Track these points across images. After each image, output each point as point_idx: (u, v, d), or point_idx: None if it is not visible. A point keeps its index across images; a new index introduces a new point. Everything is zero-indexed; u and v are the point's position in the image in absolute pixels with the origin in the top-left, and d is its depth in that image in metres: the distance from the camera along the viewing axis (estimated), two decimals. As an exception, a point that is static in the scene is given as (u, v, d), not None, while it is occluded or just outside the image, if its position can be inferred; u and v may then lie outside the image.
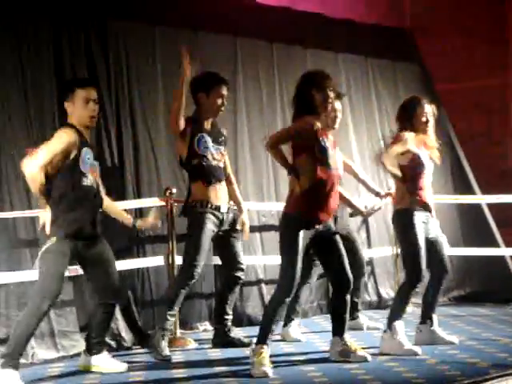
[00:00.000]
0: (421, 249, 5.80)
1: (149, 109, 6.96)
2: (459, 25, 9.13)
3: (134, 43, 6.90)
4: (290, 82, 7.94)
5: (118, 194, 6.61)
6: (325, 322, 7.11)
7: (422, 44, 9.18)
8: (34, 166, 5.05)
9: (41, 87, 6.28)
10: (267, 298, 7.34)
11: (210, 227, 6.00)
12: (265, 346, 5.29)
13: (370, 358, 5.52)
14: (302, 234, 5.32)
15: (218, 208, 6.02)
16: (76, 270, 6.04)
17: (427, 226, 5.91)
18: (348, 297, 5.54)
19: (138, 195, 6.75)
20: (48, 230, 5.16)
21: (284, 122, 7.83)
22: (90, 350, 5.51)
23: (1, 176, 5.92)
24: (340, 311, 5.55)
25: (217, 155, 6.10)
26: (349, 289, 5.51)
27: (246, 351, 6.02)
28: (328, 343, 5.74)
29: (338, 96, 6.57)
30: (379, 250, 8.27)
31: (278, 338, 6.41)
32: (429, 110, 5.98)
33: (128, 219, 5.64)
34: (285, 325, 6.48)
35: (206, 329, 7.01)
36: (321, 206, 5.37)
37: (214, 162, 6.07)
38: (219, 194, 6.06)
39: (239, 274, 6.19)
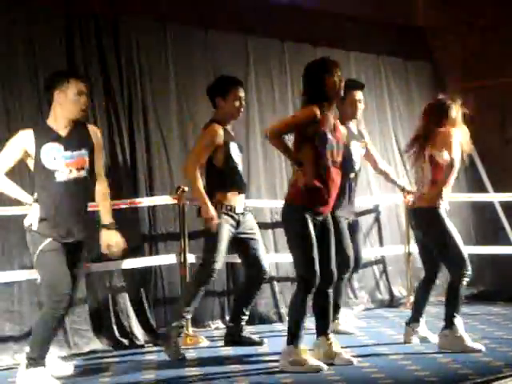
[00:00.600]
0: (459, 241, 5.79)
1: (161, 107, 6.97)
2: (471, 23, 9.09)
3: (146, 42, 6.91)
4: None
5: (130, 192, 6.64)
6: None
7: (434, 42, 9.16)
8: None
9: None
10: (279, 296, 7.36)
11: (227, 227, 5.99)
12: (301, 343, 5.23)
13: (355, 361, 5.43)
14: (309, 221, 5.24)
15: (233, 209, 6.02)
16: (88, 267, 6.08)
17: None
18: (331, 291, 5.41)
19: (151, 193, 6.75)
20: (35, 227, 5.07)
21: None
22: None
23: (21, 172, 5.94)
24: (322, 307, 5.42)
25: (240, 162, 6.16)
26: (331, 283, 5.39)
27: (259, 349, 6.04)
28: (342, 341, 5.72)
29: (360, 86, 6.61)
30: (391, 248, 8.25)
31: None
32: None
33: (103, 220, 5.35)
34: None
35: (218, 327, 7.01)
36: (321, 201, 5.29)
37: (240, 168, 6.12)
38: (237, 197, 6.06)
39: (261, 276, 6.17)
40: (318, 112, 5.22)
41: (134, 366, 5.67)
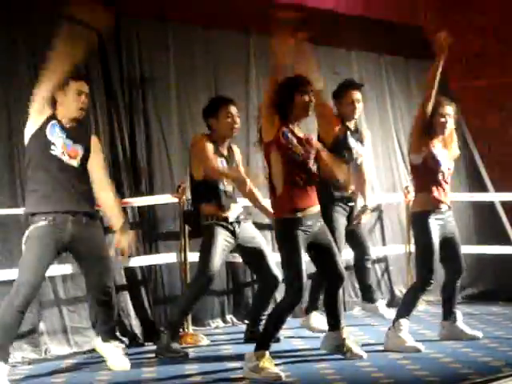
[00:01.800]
0: (434, 251, 5.80)
1: (161, 106, 6.96)
2: (472, 22, 9.08)
3: (147, 41, 6.91)
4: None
5: (131, 191, 6.64)
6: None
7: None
8: None
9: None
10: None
11: (221, 237, 5.94)
12: (267, 352, 5.18)
13: (365, 355, 5.48)
14: (299, 234, 5.21)
15: (223, 219, 5.98)
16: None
17: (443, 224, 5.90)
18: (340, 291, 5.48)
19: (151, 192, 6.75)
20: None
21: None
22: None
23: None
24: (333, 304, 5.48)
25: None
26: (341, 284, 5.45)
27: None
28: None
29: (357, 86, 6.60)
30: (393, 247, 8.25)
31: (290, 333, 6.42)
32: (449, 111, 5.95)
33: (115, 223, 5.45)
34: (306, 313, 6.50)
35: (218, 326, 7.02)
36: (298, 208, 5.24)
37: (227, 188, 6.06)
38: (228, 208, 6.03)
39: (273, 283, 6.11)
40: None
41: (135, 364, 5.66)
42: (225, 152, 6.07)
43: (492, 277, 8.71)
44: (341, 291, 5.56)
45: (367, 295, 6.80)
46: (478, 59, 9.09)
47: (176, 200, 6.54)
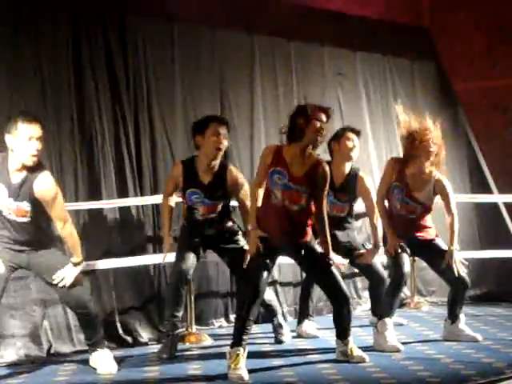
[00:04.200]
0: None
1: (166, 105, 6.97)
2: (478, 24, 9.08)
3: (153, 40, 6.92)
4: (308, 79, 7.97)
5: (135, 191, 6.65)
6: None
7: (440, 43, 9.15)
8: None
9: (59, 86, 6.30)
10: (283, 299, 7.37)
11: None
12: (240, 348, 5.20)
13: (367, 358, 5.49)
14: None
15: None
16: (93, 264, 6.10)
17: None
18: (348, 308, 5.50)
19: (155, 192, 6.76)
20: None
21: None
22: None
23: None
24: (340, 321, 5.54)
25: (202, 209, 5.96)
26: (348, 304, 5.49)
27: (262, 347, 6.05)
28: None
29: (355, 131, 6.51)
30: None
31: (293, 334, 6.43)
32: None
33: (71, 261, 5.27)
34: (299, 322, 6.52)
35: (221, 325, 7.02)
36: (267, 227, 5.34)
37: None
38: None
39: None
40: (271, 153, 5.31)
41: (138, 364, 5.68)
42: (207, 178, 5.89)
43: (495, 278, 8.70)
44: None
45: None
46: (483, 60, 9.08)
47: (180, 200, 6.54)
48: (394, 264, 5.98)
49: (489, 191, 8.85)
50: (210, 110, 7.12)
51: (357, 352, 5.52)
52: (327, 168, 5.42)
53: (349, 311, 5.53)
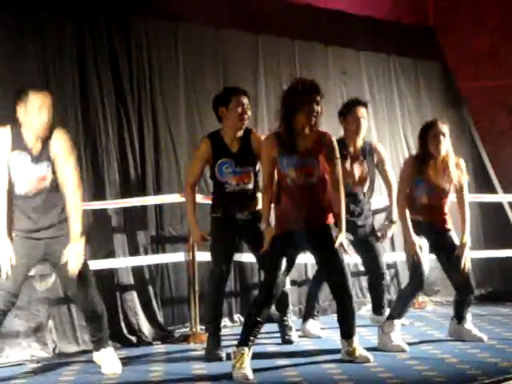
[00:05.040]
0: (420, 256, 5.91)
1: (170, 105, 6.97)
2: (482, 22, 9.07)
3: (157, 40, 6.92)
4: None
5: (139, 190, 6.65)
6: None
7: (445, 42, 9.14)
8: None
9: (64, 86, 6.31)
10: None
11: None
12: (246, 348, 5.19)
13: (371, 358, 5.48)
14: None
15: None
16: (97, 264, 6.10)
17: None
18: (352, 307, 5.50)
19: (159, 192, 6.76)
20: None
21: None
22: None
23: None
24: (344, 321, 5.53)
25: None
26: (351, 303, 5.48)
27: (266, 347, 6.05)
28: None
29: (362, 103, 6.58)
30: (402, 254, 8.20)
31: (299, 334, 6.43)
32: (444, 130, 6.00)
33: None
34: (304, 321, 6.52)
35: (225, 325, 7.00)
36: (285, 218, 5.35)
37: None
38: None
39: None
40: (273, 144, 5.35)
41: (142, 363, 5.69)
42: (235, 147, 5.93)
43: (500, 278, 8.70)
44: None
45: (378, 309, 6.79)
46: (488, 59, 9.07)
47: (184, 200, 6.54)
48: (414, 264, 5.94)
49: (493, 191, 8.85)
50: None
51: (361, 352, 5.51)
52: (330, 136, 5.47)
53: (352, 311, 5.52)
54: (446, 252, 6.06)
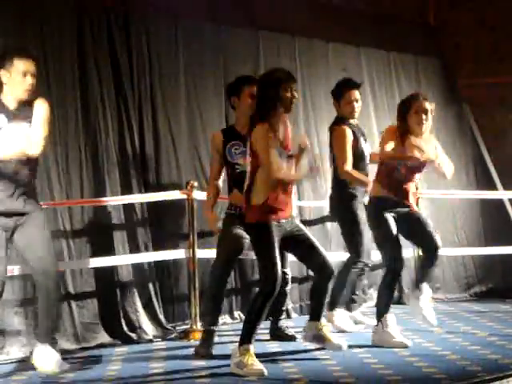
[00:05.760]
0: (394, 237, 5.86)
1: (170, 101, 6.97)
2: (483, 19, 9.06)
3: (157, 36, 6.92)
4: (312, 75, 7.96)
5: (140, 187, 6.65)
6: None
7: (445, 39, 9.13)
8: None
9: (63, 82, 6.31)
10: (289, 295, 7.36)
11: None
12: (251, 345, 5.17)
13: (345, 346, 5.50)
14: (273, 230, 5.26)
15: (234, 208, 5.95)
16: (97, 261, 6.10)
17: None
18: (329, 283, 5.47)
19: (159, 188, 6.75)
20: None
21: (306, 114, 7.82)
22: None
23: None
24: (318, 293, 5.48)
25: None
26: (332, 275, 5.43)
27: (266, 345, 6.05)
28: (351, 337, 5.81)
29: (356, 85, 6.59)
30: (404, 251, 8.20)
31: (298, 330, 6.42)
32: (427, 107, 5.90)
33: None
34: (331, 309, 6.50)
35: (225, 322, 7.02)
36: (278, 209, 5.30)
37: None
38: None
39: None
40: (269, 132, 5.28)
41: (142, 360, 5.68)
42: (245, 130, 5.82)
43: (500, 275, 8.70)
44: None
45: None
46: (489, 57, 9.06)
47: (184, 196, 6.54)
48: (389, 252, 5.86)
49: (494, 188, 8.85)
50: (214, 106, 7.13)
51: (331, 337, 5.50)
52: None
53: (327, 288, 5.48)
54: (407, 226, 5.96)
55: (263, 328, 6.51)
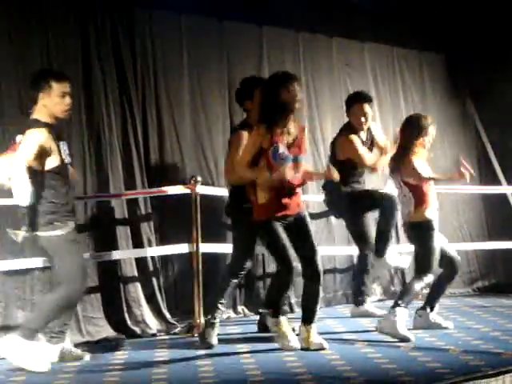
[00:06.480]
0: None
1: (174, 97, 6.97)
2: (487, 15, 9.03)
3: (161, 32, 6.92)
4: (316, 71, 7.96)
5: (144, 182, 6.66)
6: (348, 311, 7.10)
7: (449, 33, 9.11)
8: None
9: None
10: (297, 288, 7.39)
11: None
12: (280, 317, 5.54)
13: (326, 345, 5.58)
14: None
15: None
16: (101, 256, 6.11)
17: None
18: (319, 287, 5.57)
19: (163, 183, 6.75)
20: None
21: (311, 110, 7.81)
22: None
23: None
24: (307, 299, 5.63)
25: None
26: (320, 279, 5.54)
27: (270, 340, 6.05)
28: (353, 332, 5.86)
29: (365, 99, 6.65)
30: (406, 245, 8.21)
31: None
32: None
33: None
34: (358, 303, 6.79)
35: (229, 316, 7.03)
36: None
37: None
38: None
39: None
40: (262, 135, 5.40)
41: (146, 355, 5.69)
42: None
43: (503, 269, 8.70)
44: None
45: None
46: (491, 50, 9.04)
47: (188, 191, 6.55)
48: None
49: (497, 182, 8.84)
50: (218, 102, 7.13)
51: (315, 338, 5.58)
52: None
53: (319, 292, 5.59)
54: None
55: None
